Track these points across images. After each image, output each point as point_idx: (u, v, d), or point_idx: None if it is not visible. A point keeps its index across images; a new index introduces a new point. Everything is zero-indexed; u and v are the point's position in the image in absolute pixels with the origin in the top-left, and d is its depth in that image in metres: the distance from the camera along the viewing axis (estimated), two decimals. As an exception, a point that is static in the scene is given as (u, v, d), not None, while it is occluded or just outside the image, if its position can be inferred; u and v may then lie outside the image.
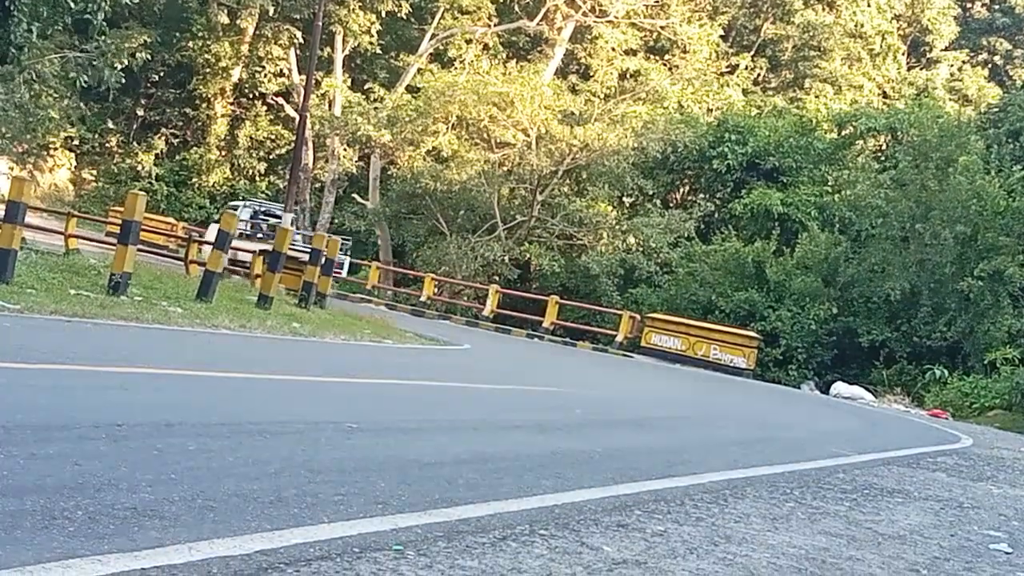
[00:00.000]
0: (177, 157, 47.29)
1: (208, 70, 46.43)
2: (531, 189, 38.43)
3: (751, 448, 10.81)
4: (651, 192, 39.25)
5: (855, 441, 14.08)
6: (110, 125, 47.32)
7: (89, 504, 4.09)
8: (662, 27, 44.89)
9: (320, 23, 30.66)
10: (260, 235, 29.24)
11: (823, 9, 49.90)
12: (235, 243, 23.31)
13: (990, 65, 54.33)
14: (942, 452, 14.27)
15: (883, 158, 39.54)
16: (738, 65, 49.66)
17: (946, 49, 53.23)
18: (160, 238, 31.75)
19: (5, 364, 7.28)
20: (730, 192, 39.48)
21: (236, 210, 30.48)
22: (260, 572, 3.63)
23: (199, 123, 48.08)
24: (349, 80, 44.99)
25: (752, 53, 50.85)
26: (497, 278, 36.17)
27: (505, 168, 39.04)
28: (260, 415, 7.24)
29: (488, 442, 7.98)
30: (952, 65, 53.01)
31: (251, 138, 47.54)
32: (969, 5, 56.95)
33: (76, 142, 44.87)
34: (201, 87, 46.66)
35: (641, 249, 36.72)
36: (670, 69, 45.90)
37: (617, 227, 37.26)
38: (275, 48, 45.54)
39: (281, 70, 46.12)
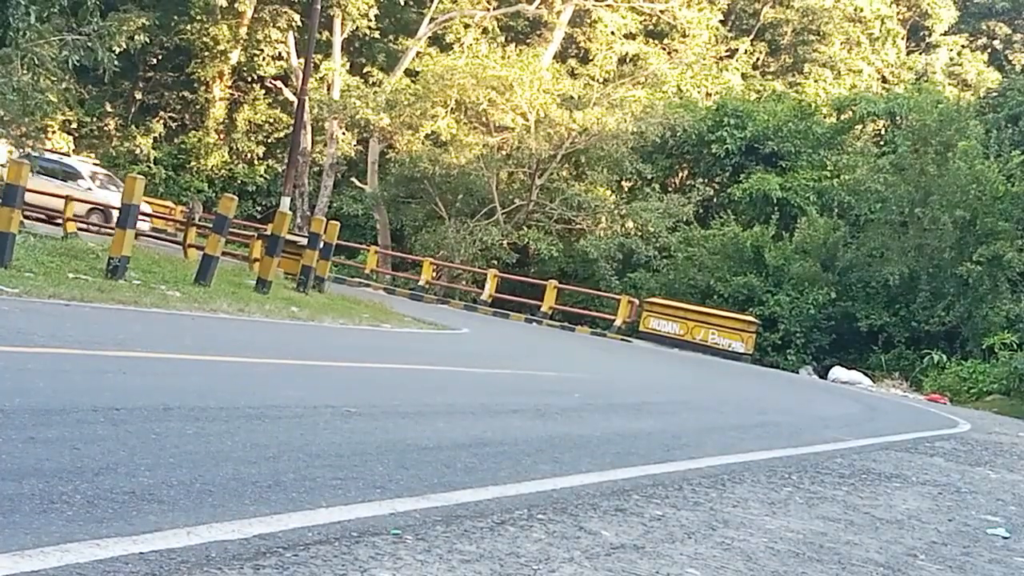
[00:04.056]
0: (175, 140, 47.12)
1: (206, 53, 46.24)
2: (530, 173, 38.38)
3: (749, 433, 10.83)
4: (650, 176, 39.18)
5: (853, 426, 14.11)
6: (108, 108, 47.17)
7: (87, 488, 4.09)
8: (661, 11, 44.69)
9: (318, 6, 30.63)
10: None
11: (822, -7, 49.74)
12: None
13: (989, 50, 54.15)
14: (940, 437, 14.30)
15: (882, 143, 39.48)
16: (737, 49, 49.52)
17: (945, 33, 53.02)
18: (158, 222, 31.71)
19: (4, 348, 7.29)
20: (729, 176, 39.43)
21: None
22: (258, 556, 3.63)
23: (197, 106, 47.92)
24: (348, 64, 44.83)
25: (751, 37, 50.70)
26: (495, 262, 36.15)
27: (504, 152, 38.98)
28: (258, 399, 7.24)
29: (486, 426, 7.99)
30: (951, 50, 52.82)
31: (249, 122, 47.38)
32: (969, -11, 56.80)
33: (74, 125, 44.68)
34: (199, 70, 46.49)
35: (640, 233, 36.69)
36: (669, 53, 45.77)
37: (616, 211, 37.22)
38: (273, 31, 45.36)
39: (279, 53, 45.95)
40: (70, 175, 30.60)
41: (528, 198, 38.01)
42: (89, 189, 30.23)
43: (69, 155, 34.24)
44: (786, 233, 34.65)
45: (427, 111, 38.65)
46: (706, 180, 39.88)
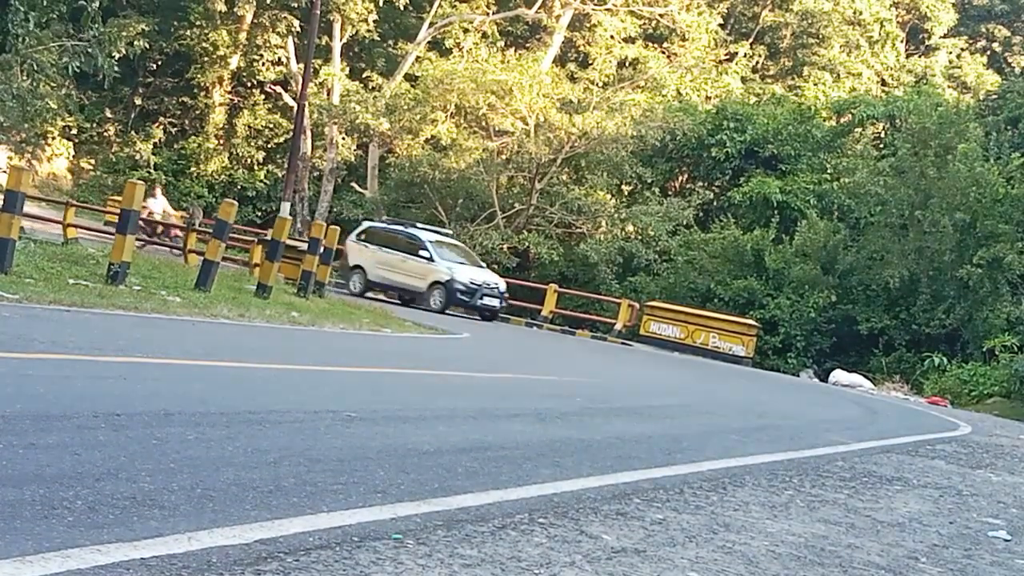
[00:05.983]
0: (175, 146, 47.17)
1: (206, 59, 46.27)
2: (529, 177, 38.39)
3: (750, 436, 10.82)
4: (650, 180, 39.22)
5: (854, 429, 14.09)
6: (108, 114, 47.21)
7: (89, 494, 4.09)
8: (661, 15, 44.78)
9: (318, 11, 30.59)
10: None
11: (821, -4, 49.82)
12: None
13: (989, 52, 54.23)
14: (941, 440, 14.29)
15: (882, 146, 39.54)
16: (736, 53, 49.61)
17: (945, 36, 53.09)
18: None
19: (4, 354, 7.28)
20: (729, 180, 39.48)
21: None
22: (259, 561, 3.63)
23: (197, 112, 47.94)
24: (347, 68, 44.88)
25: (751, 41, 50.78)
26: (496, 266, 36.14)
27: (504, 156, 39.00)
28: (259, 404, 7.24)
29: (487, 431, 7.98)
30: (951, 52, 52.90)
31: (249, 127, 47.40)
32: (968, -8, 56.87)
33: (74, 131, 44.76)
34: (199, 76, 46.52)
35: (640, 237, 36.73)
36: (669, 57, 45.87)
37: (616, 215, 37.25)
38: (273, 36, 45.39)
39: (279, 59, 45.98)
40: (412, 246, 28.56)
41: (528, 202, 38.02)
42: (431, 260, 27.89)
43: (412, 225, 30.66)
44: (786, 236, 34.65)
45: (427, 115, 38.72)
46: (706, 184, 39.91)
